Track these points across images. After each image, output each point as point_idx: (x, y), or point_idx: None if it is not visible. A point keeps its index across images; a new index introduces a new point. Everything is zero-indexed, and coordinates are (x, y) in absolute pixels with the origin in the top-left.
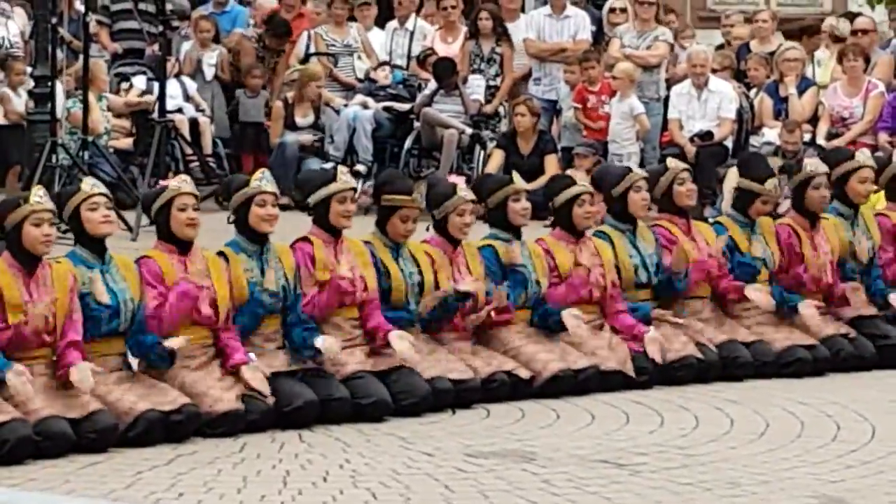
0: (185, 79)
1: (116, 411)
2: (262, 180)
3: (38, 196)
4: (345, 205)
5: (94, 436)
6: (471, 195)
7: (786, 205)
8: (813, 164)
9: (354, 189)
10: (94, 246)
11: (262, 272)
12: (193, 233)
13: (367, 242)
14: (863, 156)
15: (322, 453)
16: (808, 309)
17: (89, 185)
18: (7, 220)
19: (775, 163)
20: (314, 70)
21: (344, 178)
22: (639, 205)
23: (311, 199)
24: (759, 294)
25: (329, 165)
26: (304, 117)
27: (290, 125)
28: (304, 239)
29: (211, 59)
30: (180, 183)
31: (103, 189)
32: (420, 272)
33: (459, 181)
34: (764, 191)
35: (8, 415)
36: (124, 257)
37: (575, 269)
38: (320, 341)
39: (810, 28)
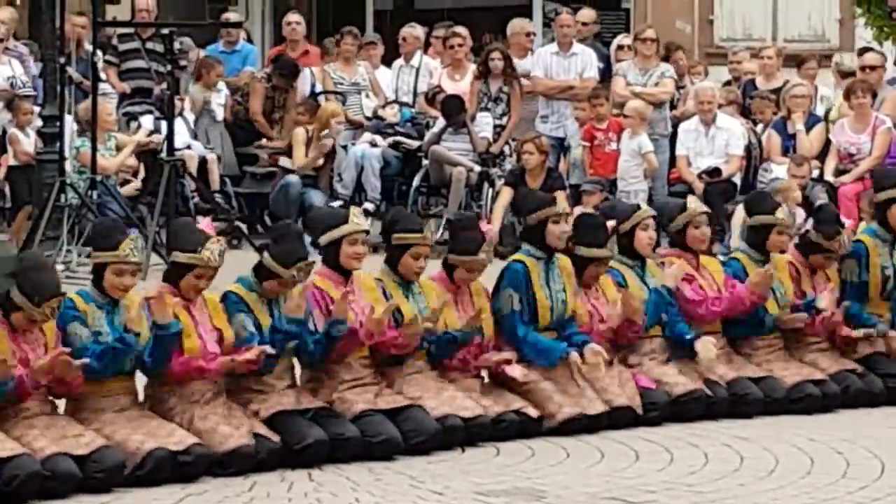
0: (188, 115)
1: (123, 450)
2: (358, 217)
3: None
4: (355, 247)
5: (101, 475)
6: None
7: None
8: (819, 196)
9: (367, 231)
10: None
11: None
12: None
13: (377, 280)
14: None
15: (332, 492)
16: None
17: (128, 248)
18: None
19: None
20: (333, 108)
21: (356, 220)
22: (644, 243)
23: (323, 240)
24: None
25: (338, 204)
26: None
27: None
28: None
29: (219, 99)
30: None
31: (138, 258)
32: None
33: (488, 230)
34: (777, 220)
35: (15, 451)
36: (133, 297)
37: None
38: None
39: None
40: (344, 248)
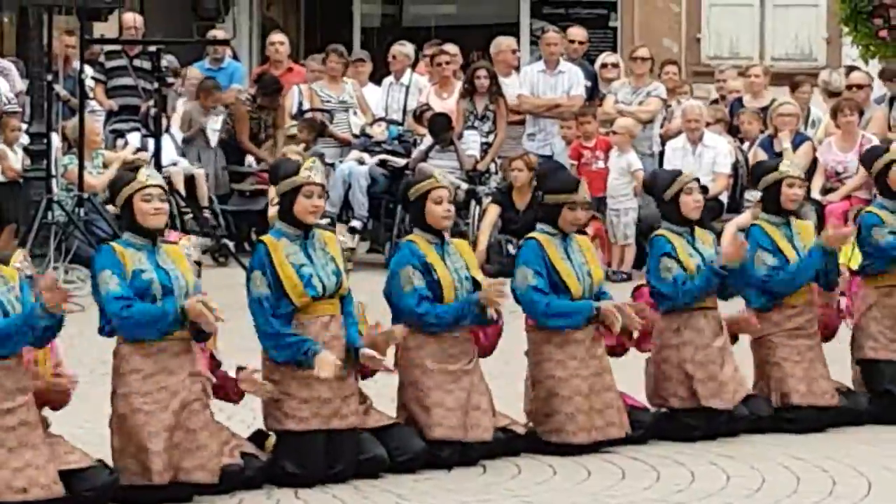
0: (175, 132)
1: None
2: (312, 170)
3: None
4: (311, 199)
5: (90, 493)
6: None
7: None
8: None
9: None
10: (145, 233)
11: (310, 258)
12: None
13: (410, 242)
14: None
15: None
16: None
17: (145, 175)
18: None
19: None
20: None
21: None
22: (690, 207)
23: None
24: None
25: (325, 221)
26: None
27: None
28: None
29: (216, 123)
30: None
31: (159, 180)
32: (467, 266)
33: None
34: (782, 173)
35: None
36: (171, 246)
37: None
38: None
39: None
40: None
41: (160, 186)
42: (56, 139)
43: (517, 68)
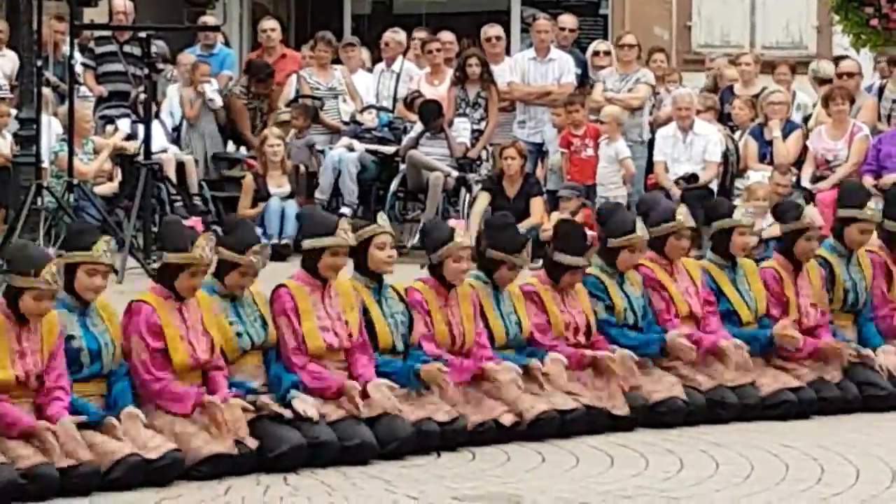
0: (166, 118)
1: (100, 454)
2: (345, 232)
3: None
4: (336, 258)
5: (78, 480)
6: (468, 241)
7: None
8: (810, 214)
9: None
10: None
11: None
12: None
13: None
14: (870, 210)
15: (307, 496)
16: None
17: (101, 250)
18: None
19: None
20: (263, 135)
21: (343, 234)
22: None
23: (306, 244)
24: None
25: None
26: (279, 187)
27: (265, 198)
28: (284, 285)
29: (213, 86)
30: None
31: (110, 259)
32: (406, 311)
33: (458, 225)
34: (735, 221)
35: None
36: (103, 301)
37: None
38: (297, 403)
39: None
40: (325, 258)
41: (110, 266)
42: (54, 124)
43: (503, 54)
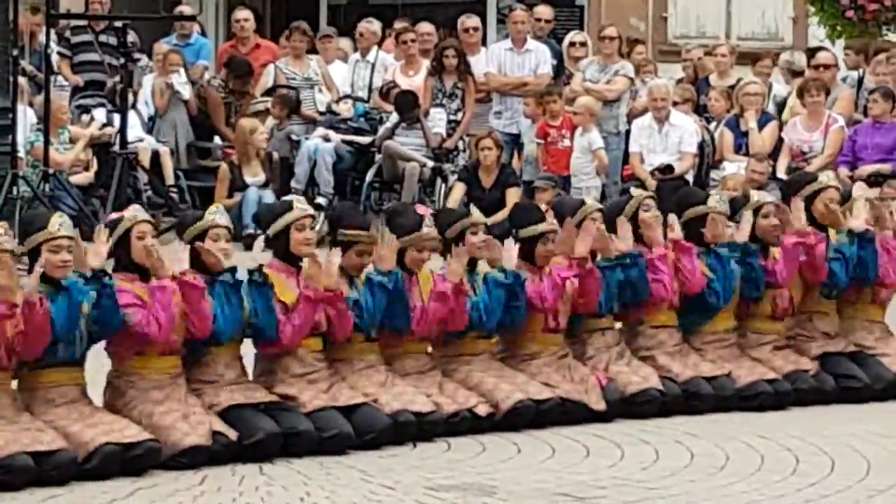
0: (142, 108)
1: (76, 443)
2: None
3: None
4: (304, 232)
5: (55, 471)
6: (435, 232)
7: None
8: (760, 193)
9: (313, 216)
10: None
11: None
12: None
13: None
14: (826, 177)
15: (283, 486)
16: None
17: (56, 225)
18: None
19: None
20: (251, 124)
21: (300, 205)
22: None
23: (271, 231)
24: None
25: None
26: (254, 176)
27: (241, 187)
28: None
29: (181, 78)
30: (136, 212)
31: (69, 231)
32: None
33: (426, 212)
34: (708, 208)
35: None
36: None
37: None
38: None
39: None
40: (293, 236)
41: (70, 237)
42: (29, 114)
43: (479, 45)
